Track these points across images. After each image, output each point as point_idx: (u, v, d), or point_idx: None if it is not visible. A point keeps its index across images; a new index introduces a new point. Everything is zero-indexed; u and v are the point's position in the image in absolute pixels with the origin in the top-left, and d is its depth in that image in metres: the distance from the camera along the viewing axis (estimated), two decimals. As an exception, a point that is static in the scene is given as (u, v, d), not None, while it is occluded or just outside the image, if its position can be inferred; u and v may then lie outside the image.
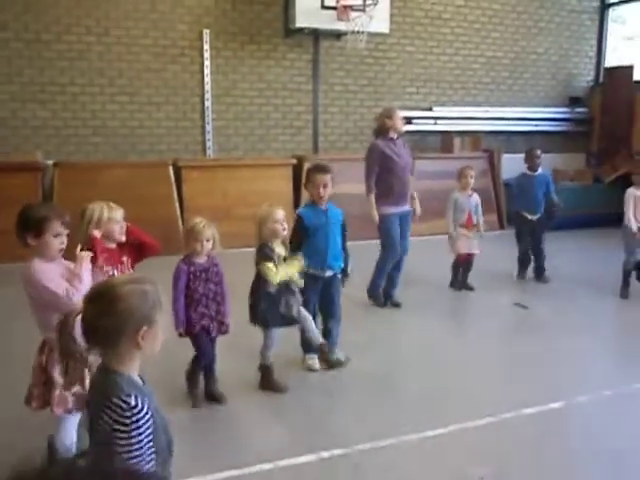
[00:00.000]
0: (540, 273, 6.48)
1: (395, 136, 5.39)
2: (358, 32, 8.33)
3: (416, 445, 3.22)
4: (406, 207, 5.48)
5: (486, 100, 10.26)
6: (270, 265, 3.65)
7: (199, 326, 3.55)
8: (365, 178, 5.38)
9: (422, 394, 3.85)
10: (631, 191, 5.90)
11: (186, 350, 3.65)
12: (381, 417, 3.55)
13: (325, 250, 4.01)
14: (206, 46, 8.38)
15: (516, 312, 5.60)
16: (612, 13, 11.11)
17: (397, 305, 5.58)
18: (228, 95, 8.67)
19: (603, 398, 3.79)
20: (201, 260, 3.57)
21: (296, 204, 8.12)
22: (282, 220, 3.71)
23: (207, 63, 8.42)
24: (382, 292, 5.59)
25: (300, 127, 9.17)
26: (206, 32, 8.37)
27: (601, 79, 10.88)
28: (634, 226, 5.74)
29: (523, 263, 6.52)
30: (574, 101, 10.85)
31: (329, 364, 4.19)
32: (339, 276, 4.17)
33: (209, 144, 8.61)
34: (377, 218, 5.31)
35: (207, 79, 8.46)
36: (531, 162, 6.42)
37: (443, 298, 6.02)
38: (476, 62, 10.15)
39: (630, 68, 10.12)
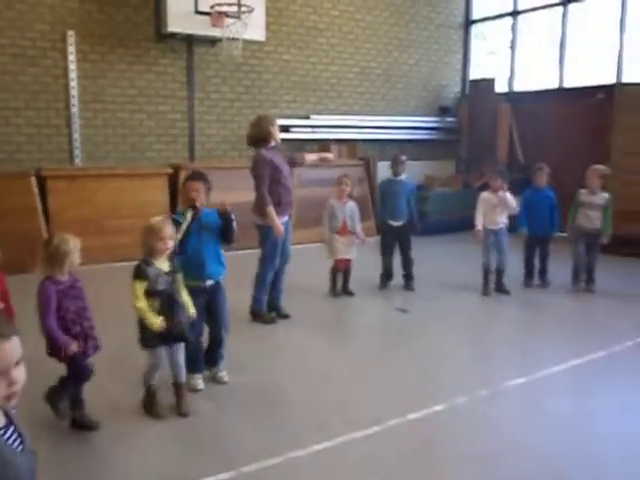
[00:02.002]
0: (408, 280, 6.57)
1: (273, 144, 5.31)
2: (233, 39, 8.20)
3: (303, 462, 3.13)
4: (287, 216, 5.41)
5: (361, 109, 10.49)
6: (137, 284, 3.43)
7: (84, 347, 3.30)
8: (258, 189, 5.19)
9: (307, 407, 3.77)
10: (484, 195, 6.28)
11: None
12: (266, 435, 3.42)
13: (203, 257, 3.85)
14: (71, 48, 7.87)
15: (397, 316, 5.69)
16: (475, 29, 11.79)
17: (286, 317, 5.47)
18: (96, 101, 8.19)
19: (480, 398, 3.90)
20: (64, 278, 3.28)
21: (173, 214, 7.81)
22: (167, 237, 3.50)
23: (72, 67, 7.90)
24: (268, 305, 5.45)
25: (176, 135, 8.87)
26: (70, 34, 7.85)
27: (467, 91, 11.48)
28: (479, 226, 6.20)
29: (387, 277, 6.56)
30: (443, 111, 11.38)
31: (216, 381, 4.07)
32: (222, 285, 4.02)
33: (77, 152, 8.07)
34: (282, 229, 5.17)
35: (73, 83, 7.94)
36: (395, 168, 6.54)
37: (324, 306, 6.02)
38: (351, 72, 10.35)
39: (492, 81, 10.77)
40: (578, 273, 6.47)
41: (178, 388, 3.68)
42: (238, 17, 8.07)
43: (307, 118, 9.82)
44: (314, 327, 5.37)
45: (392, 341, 5.13)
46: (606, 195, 6.34)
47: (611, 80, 9.38)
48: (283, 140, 5.71)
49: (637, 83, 9.03)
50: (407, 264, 6.53)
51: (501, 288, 6.38)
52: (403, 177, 6.55)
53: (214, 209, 3.95)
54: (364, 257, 6.47)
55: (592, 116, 9.42)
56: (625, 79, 9.27)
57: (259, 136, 5.27)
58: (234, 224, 3.91)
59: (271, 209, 5.13)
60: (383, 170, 9.16)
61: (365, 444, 3.31)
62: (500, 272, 6.36)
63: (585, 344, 4.87)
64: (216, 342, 4.06)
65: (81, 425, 3.39)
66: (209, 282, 3.92)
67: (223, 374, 4.11)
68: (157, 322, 3.43)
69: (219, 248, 3.98)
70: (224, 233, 3.93)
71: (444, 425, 3.59)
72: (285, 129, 8.59)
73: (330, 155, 5.74)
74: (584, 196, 6.37)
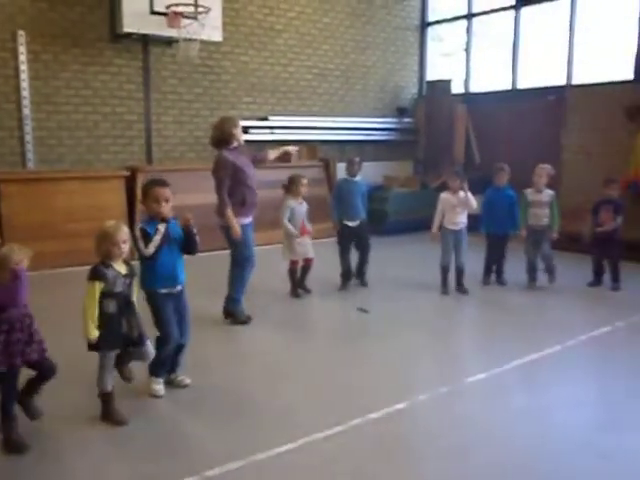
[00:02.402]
0: (361, 278, 6.70)
1: (236, 145, 5.28)
2: (190, 40, 8.12)
3: (267, 464, 3.12)
4: (251, 217, 5.39)
5: (320, 110, 10.52)
6: (95, 285, 3.38)
7: (20, 357, 3.19)
8: (218, 192, 5.16)
9: (270, 409, 3.77)
10: (443, 196, 6.39)
11: None
12: (230, 438, 3.40)
13: (174, 266, 3.83)
14: (21, 48, 7.67)
15: (358, 316, 5.73)
16: (431, 32, 11.95)
17: (249, 319, 5.44)
18: (49, 102, 8.00)
19: (442, 394, 3.96)
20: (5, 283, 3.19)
21: (131, 218, 7.70)
22: (122, 241, 3.45)
23: (23, 67, 7.70)
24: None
25: (132, 137, 8.73)
26: (21, 33, 7.65)
27: (424, 92, 11.63)
28: (434, 229, 6.28)
29: (347, 277, 6.60)
30: (401, 112, 11.50)
31: (175, 385, 4.03)
32: (184, 290, 3.99)
33: (29, 155, 7.87)
34: (239, 232, 5.14)
35: (24, 84, 7.73)
36: (350, 169, 6.61)
37: (286, 307, 6.01)
38: (309, 73, 10.37)
39: (448, 82, 10.93)
40: (532, 271, 6.62)
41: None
42: (195, 17, 8.01)
43: (266, 119, 9.79)
44: (276, 328, 5.37)
45: (353, 341, 5.15)
46: (551, 192, 6.50)
47: (562, 81, 9.63)
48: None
49: (586, 84, 9.30)
50: (363, 264, 6.64)
51: (460, 287, 6.48)
52: (358, 178, 6.61)
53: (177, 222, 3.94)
54: (324, 257, 6.50)
55: (544, 116, 9.66)
56: (575, 81, 9.52)
57: (220, 137, 5.24)
58: (196, 238, 3.90)
59: (229, 211, 5.11)
60: (342, 171, 9.20)
61: (328, 445, 3.33)
62: (459, 271, 6.46)
63: (542, 339, 4.99)
64: (180, 348, 4.02)
65: (16, 445, 3.22)
66: (179, 287, 3.91)
67: (183, 377, 4.07)
68: (93, 334, 3.38)
69: (182, 255, 3.96)
70: (187, 245, 3.92)
71: (407, 423, 3.63)
72: (244, 130, 8.54)
73: (292, 148, 5.70)
74: (531, 195, 6.52)
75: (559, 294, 6.42)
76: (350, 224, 6.49)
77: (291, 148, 5.68)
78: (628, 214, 8.26)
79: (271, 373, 4.38)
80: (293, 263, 6.16)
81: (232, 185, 5.15)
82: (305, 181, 6.12)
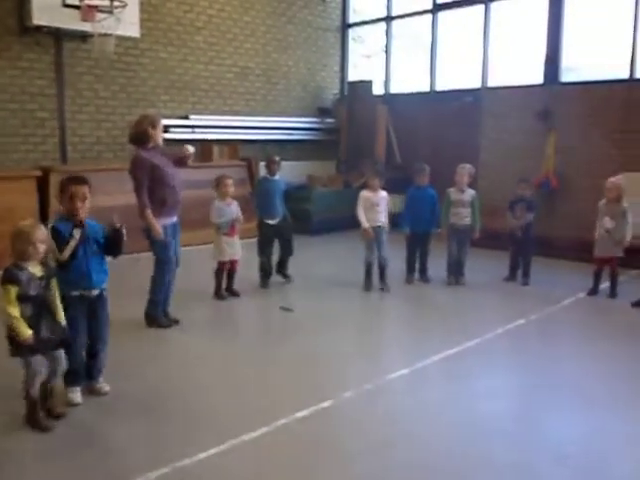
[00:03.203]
0: (284, 275, 6.76)
1: (153, 145, 5.11)
2: (106, 35, 7.85)
3: (192, 470, 3.05)
4: (176, 217, 5.26)
5: (242, 109, 10.43)
6: (9, 289, 3.21)
7: None
8: (136, 192, 4.98)
9: (194, 413, 3.68)
10: (363, 194, 6.50)
11: None
12: (153, 445, 3.30)
13: (88, 268, 3.67)
14: None
15: (282, 316, 5.71)
16: (352, 33, 12.09)
17: (176, 322, 5.31)
18: (-47, 98, 7.54)
19: (366, 392, 4.00)
20: None
21: (43, 220, 7.34)
22: (38, 240, 3.30)
23: None
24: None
25: (45, 135, 8.34)
26: None
27: (346, 92, 11.75)
28: (365, 224, 6.36)
29: (267, 275, 6.60)
30: (323, 112, 11.58)
31: (95, 393, 3.89)
32: (105, 294, 3.84)
33: None
34: (160, 232, 4.98)
35: None
36: (270, 168, 6.64)
37: (211, 308, 5.92)
38: (230, 71, 10.25)
39: (369, 83, 11.09)
40: (453, 268, 6.82)
41: (50, 389, 3.50)
42: (110, 12, 7.74)
43: (186, 118, 9.61)
44: (201, 331, 5.27)
45: (278, 341, 5.13)
46: (472, 192, 6.73)
47: (478, 84, 9.97)
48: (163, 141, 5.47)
49: (500, 87, 9.67)
50: (284, 261, 6.67)
51: (383, 283, 6.58)
52: (277, 177, 6.63)
53: (102, 225, 3.79)
54: (250, 256, 6.46)
55: (462, 118, 9.96)
56: (490, 84, 9.88)
57: (136, 136, 5.08)
58: (124, 240, 3.77)
59: (148, 212, 4.97)
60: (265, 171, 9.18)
61: (254, 446, 3.29)
62: (382, 268, 6.57)
63: (461, 334, 5.13)
64: (96, 354, 3.87)
65: None
66: (95, 292, 3.76)
67: (102, 385, 3.93)
68: (27, 333, 3.23)
69: (103, 256, 3.80)
70: (112, 247, 3.78)
71: (333, 421, 3.64)
72: (163, 129, 8.34)
73: (187, 148, 5.37)
74: (454, 194, 6.72)
75: (478, 290, 6.64)
76: (270, 222, 6.51)
77: (186, 148, 5.39)
78: (539, 211, 8.69)
79: (195, 376, 4.29)
80: (221, 264, 6.07)
81: (152, 185, 4.99)
82: (230, 181, 6.05)
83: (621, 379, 4.36)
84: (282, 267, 6.75)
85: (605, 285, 6.39)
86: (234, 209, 6.06)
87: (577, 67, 9.21)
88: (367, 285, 6.54)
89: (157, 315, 5.24)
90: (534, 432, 3.54)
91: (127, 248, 3.96)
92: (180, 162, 5.34)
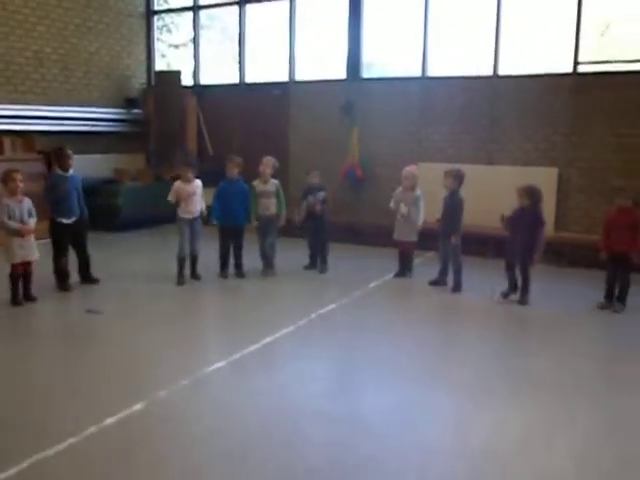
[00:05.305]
0: (86, 277, 6.36)
1: None
2: None
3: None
4: None
5: (37, 98, 9.58)
6: None
7: None
8: None
9: (-12, 432, 3.33)
10: (177, 185, 6.39)
11: None
12: None
13: None
14: None
15: (89, 319, 5.36)
16: (160, 21, 11.68)
17: None
18: None
19: (182, 388, 3.91)
20: None
21: None
22: None
23: None
24: None
25: None
26: None
27: (153, 82, 11.33)
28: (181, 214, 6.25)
29: (62, 277, 6.19)
30: (130, 102, 11.04)
31: None
32: None
33: None
34: None
35: None
36: (63, 162, 6.10)
37: (7, 316, 5.40)
38: (22, 56, 9.36)
39: (178, 73, 10.82)
40: (265, 258, 6.90)
41: None
42: None
43: (-29, 106, 8.63)
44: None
45: (87, 345, 4.80)
46: (276, 182, 6.86)
47: (285, 78, 10.17)
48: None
49: (307, 81, 9.97)
50: (83, 262, 6.30)
51: (194, 274, 6.50)
52: (71, 172, 6.17)
53: None
54: (46, 258, 5.99)
55: (271, 111, 10.12)
56: (297, 77, 10.14)
57: None
58: None
59: None
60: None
61: (60, 460, 3.05)
62: (194, 259, 6.49)
63: (276, 322, 5.22)
64: None
65: None
66: None
67: None
68: None
69: None
70: None
71: (146, 422, 3.49)
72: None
73: None
74: (259, 186, 6.80)
75: (291, 279, 6.80)
76: (65, 221, 6.07)
77: None
78: (346, 200, 9.16)
79: (-12, 391, 3.88)
80: (14, 267, 5.53)
81: None
82: (19, 176, 5.51)
83: (426, 350, 4.76)
84: (84, 271, 6.31)
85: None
86: (26, 207, 5.56)
87: (380, 64, 9.84)
88: (180, 279, 6.42)
89: None
90: (350, 409, 3.70)
91: None
92: None
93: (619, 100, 7.71)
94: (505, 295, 5.97)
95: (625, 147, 7.72)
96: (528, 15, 8.47)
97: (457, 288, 6.31)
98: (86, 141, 9.63)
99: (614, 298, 5.75)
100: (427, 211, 6.64)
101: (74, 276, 6.28)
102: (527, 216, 5.78)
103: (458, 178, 6.27)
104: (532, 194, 5.80)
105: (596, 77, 7.93)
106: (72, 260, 6.25)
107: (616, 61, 7.99)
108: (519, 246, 5.79)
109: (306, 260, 7.21)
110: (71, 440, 3.21)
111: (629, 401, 3.88)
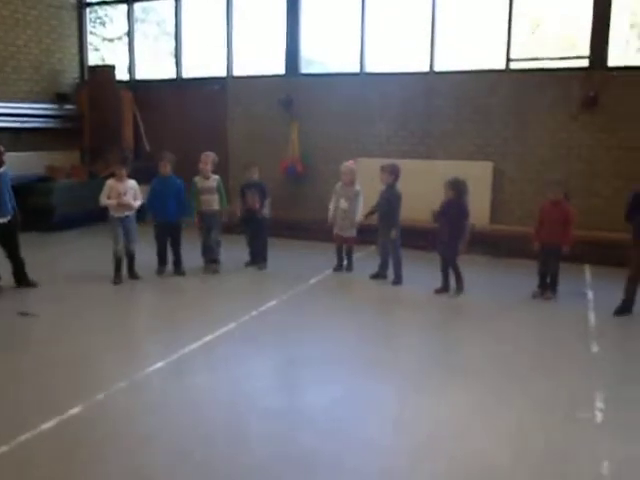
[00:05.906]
0: (22, 280, 6.12)
1: None
2: None
3: None
4: None
5: (-38, 93, 9.16)
6: None
7: None
8: None
9: None
10: (110, 182, 6.32)
11: None
12: None
13: None
14: None
15: (22, 322, 5.17)
16: (93, 14, 11.33)
17: None
18: None
19: (120, 390, 3.83)
20: None
21: None
22: None
23: None
24: None
25: None
26: None
27: (86, 77, 11.00)
28: (103, 201, 6.16)
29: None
30: (62, 98, 10.67)
31: None
32: None
33: None
34: None
35: None
36: None
37: None
38: (-57, 48, 8.93)
39: (112, 68, 10.54)
40: (208, 254, 6.83)
41: None
42: None
43: None
44: None
45: (16, 349, 4.62)
46: (217, 177, 6.80)
47: (223, 73, 10.06)
48: None
49: (246, 76, 9.90)
50: (18, 264, 6.06)
51: (132, 273, 6.39)
52: (3, 169, 5.93)
53: None
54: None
55: (210, 106, 9.99)
56: (235, 72, 10.04)
57: None
58: None
59: None
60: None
61: (-8, 468, 2.94)
62: (131, 258, 6.38)
63: (217, 320, 5.17)
64: None
65: None
66: None
67: None
68: None
69: None
70: None
71: (84, 426, 3.40)
72: None
73: None
74: (199, 182, 6.72)
75: (232, 276, 6.75)
76: None
77: None
78: (286, 195, 9.15)
79: None
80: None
81: None
82: None
83: (367, 343, 4.82)
84: (19, 274, 6.08)
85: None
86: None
87: (320, 61, 9.87)
88: (117, 278, 6.30)
89: None
90: (292, 404, 3.74)
91: None
92: None
93: (550, 96, 7.98)
94: (438, 291, 6.11)
95: (558, 142, 8.01)
96: (464, 12, 8.65)
97: (397, 281, 6.41)
98: (16, 138, 9.27)
99: (547, 286, 5.97)
100: (366, 206, 6.70)
101: (9, 280, 6.05)
102: (453, 208, 5.94)
103: (394, 173, 6.36)
104: (456, 186, 5.95)
105: (528, 74, 8.19)
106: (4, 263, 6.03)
107: (545, 58, 8.27)
108: (446, 237, 5.95)
109: (246, 257, 7.16)
110: (4, 448, 3.10)
111: (553, 384, 4.04)
